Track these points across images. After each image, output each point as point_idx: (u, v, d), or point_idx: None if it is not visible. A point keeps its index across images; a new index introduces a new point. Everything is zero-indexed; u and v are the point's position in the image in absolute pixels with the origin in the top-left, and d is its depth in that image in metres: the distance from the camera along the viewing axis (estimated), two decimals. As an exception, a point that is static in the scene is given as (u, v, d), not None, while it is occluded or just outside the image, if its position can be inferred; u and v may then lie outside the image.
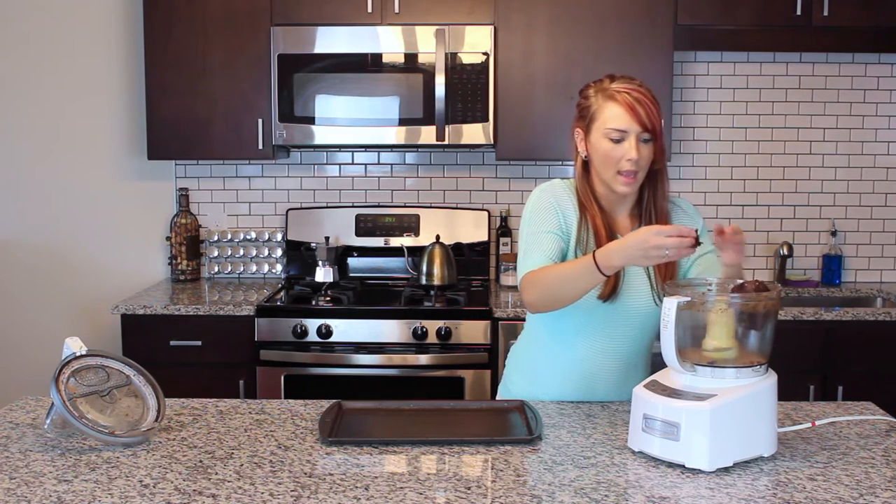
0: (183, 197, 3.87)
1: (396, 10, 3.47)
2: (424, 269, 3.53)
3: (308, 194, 3.95)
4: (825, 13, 3.45)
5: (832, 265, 3.86)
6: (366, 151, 3.93)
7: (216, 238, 3.94)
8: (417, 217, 3.83)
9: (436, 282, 3.51)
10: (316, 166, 3.95)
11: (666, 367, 1.72)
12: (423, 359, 3.27)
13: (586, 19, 3.50)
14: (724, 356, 1.66)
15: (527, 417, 1.89)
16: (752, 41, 3.72)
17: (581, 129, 2.03)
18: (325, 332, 3.28)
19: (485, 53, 3.45)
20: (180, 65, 3.55)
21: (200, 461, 1.67)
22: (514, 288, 3.68)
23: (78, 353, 1.82)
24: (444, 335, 3.26)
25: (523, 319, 2.22)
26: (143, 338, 3.34)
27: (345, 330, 3.29)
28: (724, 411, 1.60)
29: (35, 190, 3.96)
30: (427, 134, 3.46)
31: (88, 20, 3.88)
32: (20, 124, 3.94)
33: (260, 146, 3.56)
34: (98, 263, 3.98)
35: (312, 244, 3.75)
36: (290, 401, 2.05)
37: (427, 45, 3.43)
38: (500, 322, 3.29)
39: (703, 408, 1.60)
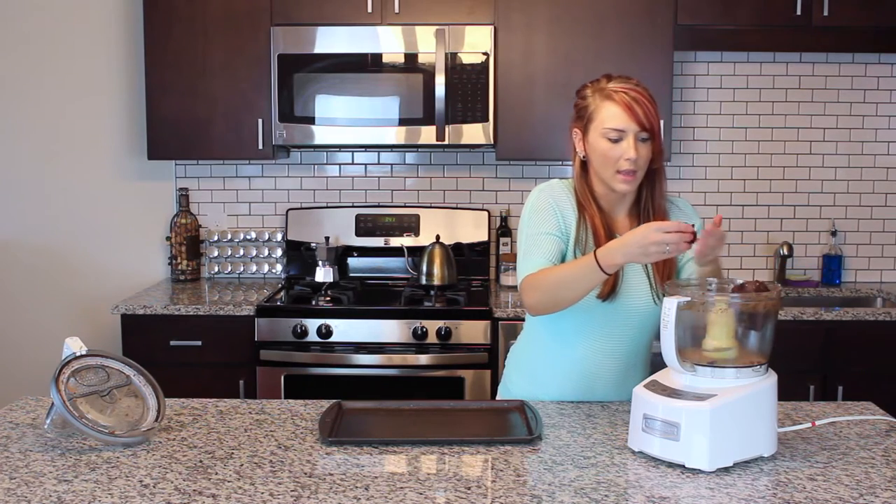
0: (183, 197, 3.87)
1: (396, 10, 3.47)
2: (424, 269, 3.53)
3: (308, 194, 3.95)
4: (825, 13, 3.45)
5: (832, 265, 3.86)
6: (366, 151, 3.93)
7: (216, 238, 3.94)
8: (417, 217, 3.83)
9: (436, 282, 3.51)
10: (316, 166, 3.95)
11: (666, 367, 1.72)
12: (423, 359, 3.27)
13: (586, 19, 3.50)
14: (724, 356, 1.66)
15: (527, 417, 1.89)
16: (752, 41, 3.72)
17: (579, 129, 2.03)
18: (325, 332, 3.28)
19: (485, 53, 3.45)
20: (180, 65, 3.55)
21: (200, 461, 1.67)
22: (514, 288, 3.68)
23: (78, 353, 1.82)
24: (444, 335, 3.26)
25: (523, 319, 2.23)
26: (143, 338, 3.34)
27: (345, 330, 3.29)
28: (724, 411, 1.60)
29: (35, 190, 3.96)
30: (427, 134, 3.46)
31: (88, 20, 3.88)
32: (20, 124, 3.94)
33: (260, 146, 3.56)
34: (98, 263, 3.98)
35: (312, 244, 3.75)
36: (290, 401, 2.05)
37: (427, 45, 3.43)
38: (500, 322, 3.29)
39: (703, 408, 1.60)
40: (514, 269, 3.44)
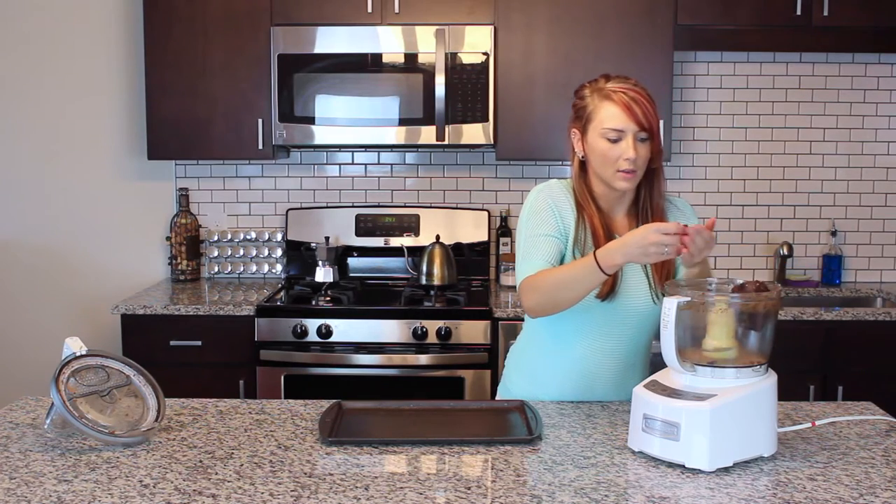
0: (183, 197, 3.87)
1: (396, 10, 3.47)
2: (424, 269, 3.53)
3: (308, 194, 3.95)
4: (825, 13, 3.45)
5: (832, 265, 3.86)
6: (366, 151, 3.93)
7: (216, 238, 3.94)
8: (417, 217, 3.83)
9: (436, 282, 3.51)
10: (316, 166, 3.95)
11: (666, 367, 1.72)
12: (423, 359, 3.27)
13: (586, 19, 3.50)
14: (724, 356, 1.66)
15: (527, 417, 1.89)
16: (752, 41, 3.72)
17: (577, 129, 2.03)
18: (325, 332, 3.28)
19: (485, 53, 3.45)
20: (180, 65, 3.55)
21: (200, 461, 1.67)
22: (514, 288, 3.68)
23: (78, 353, 1.82)
24: (444, 335, 3.25)
25: (523, 319, 2.22)
26: (143, 338, 3.34)
27: (345, 330, 3.29)
28: (724, 411, 1.60)
29: (35, 190, 3.96)
30: (427, 134, 3.46)
31: (88, 20, 3.88)
32: (20, 124, 3.94)
33: (260, 146, 3.56)
34: (98, 263, 3.98)
35: (312, 244, 3.75)
36: (290, 401, 2.05)
37: (427, 45, 3.43)
38: (500, 322, 3.29)
39: (703, 408, 1.60)
40: (514, 269, 3.44)
